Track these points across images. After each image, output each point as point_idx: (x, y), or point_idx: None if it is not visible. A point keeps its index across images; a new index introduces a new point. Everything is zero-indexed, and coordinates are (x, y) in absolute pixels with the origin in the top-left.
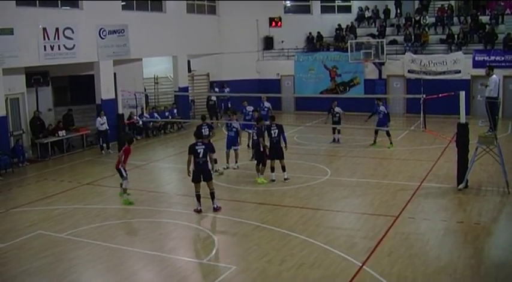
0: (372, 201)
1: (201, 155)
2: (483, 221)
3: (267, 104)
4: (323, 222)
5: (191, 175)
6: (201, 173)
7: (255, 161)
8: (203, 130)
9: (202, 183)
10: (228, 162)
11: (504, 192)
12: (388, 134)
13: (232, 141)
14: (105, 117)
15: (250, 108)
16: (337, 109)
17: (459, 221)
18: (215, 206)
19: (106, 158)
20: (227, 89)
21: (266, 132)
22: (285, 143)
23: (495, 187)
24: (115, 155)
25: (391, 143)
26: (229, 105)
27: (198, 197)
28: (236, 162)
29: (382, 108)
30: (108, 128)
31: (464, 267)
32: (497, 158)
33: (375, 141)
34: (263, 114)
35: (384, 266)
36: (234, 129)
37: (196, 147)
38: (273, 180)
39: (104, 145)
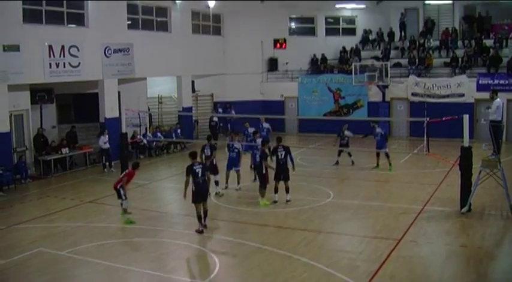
0: (374, 224)
1: (200, 175)
2: (486, 245)
3: (265, 125)
4: (325, 244)
5: (186, 196)
6: (201, 192)
7: (258, 183)
8: (206, 150)
9: None
10: (227, 183)
11: (508, 216)
12: (387, 155)
13: (234, 162)
14: (107, 136)
15: (251, 129)
16: (347, 132)
17: (462, 245)
18: (206, 223)
19: (108, 177)
20: (233, 111)
21: (272, 153)
22: (293, 165)
23: (498, 211)
24: (118, 173)
25: (390, 164)
26: (229, 126)
27: (200, 218)
28: (238, 183)
29: (378, 129)
30: (109, 146)
31: None
32: (500, 181)
33: (377, 164)
34: (262, 135)
35: None
36: (236, 150)
37: (194, 168)
38: (276, 202)
39: (107, 163)
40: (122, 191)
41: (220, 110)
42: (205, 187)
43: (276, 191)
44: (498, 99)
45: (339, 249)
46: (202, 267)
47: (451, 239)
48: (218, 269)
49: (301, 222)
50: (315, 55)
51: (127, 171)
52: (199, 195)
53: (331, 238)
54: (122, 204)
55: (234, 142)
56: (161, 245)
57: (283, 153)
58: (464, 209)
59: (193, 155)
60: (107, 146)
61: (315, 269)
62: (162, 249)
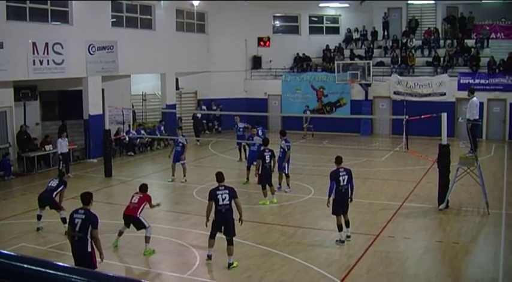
0: (353, 220)
1: (222, 202)
2: (462, 240)
3: (240, 125)
4: (304, 239)
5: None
6: (222, 223)
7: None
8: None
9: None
10: (173, 175)
11: (484, 213)
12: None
13: (178, 156)
14: (67, 139)
15: (241, 125)
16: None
17: (438, 240)
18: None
19: (92, 174)
20: (219, 107)
21: (259, 157)
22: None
23: (475, 208)
24: (76, 179)
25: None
26: (217, 123)
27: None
28: (184, 175)
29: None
30: (67, 150)
31: None
32: (477, 179)
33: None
34: (238, 135)
35: None
36: (180, 144)
37: (218, 192)
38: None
39: (64, 169)
40: (143, 219)
41: (204, 107)
42: (228, 216)
43: (265, 195)
44: (474, 98)
45: (317, 244)
46: (183, 261)
47: (428, 234)
48: (198, 263)
49: (282, 217)
50: (298, 53)
51: (141, 196)
52: (216, 224)
53: (310, 233)
54: (146, 238)
55: (179, 137)
56: (143, 240)
57: (269, 156)
58: (442, 206)
59: (218, 177)
60: (66, 150)
61: (293, 263)
62: (143, 244)
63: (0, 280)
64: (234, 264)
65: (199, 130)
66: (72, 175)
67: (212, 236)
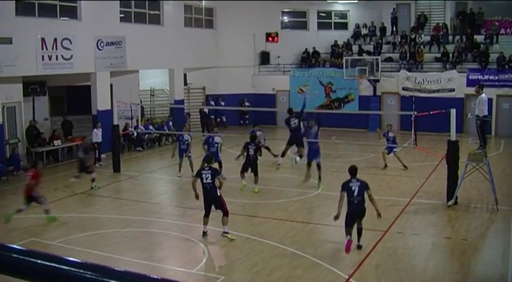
0: None
1: (205, 180)
2: (470, 237)
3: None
4: (312, 235)
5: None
6: (210, 200)
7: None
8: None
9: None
10: (180, 172)
11: (493, 210)
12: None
13: (182, 153)
14: (101, 129)
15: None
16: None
17: (447, 236)
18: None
19: (101, 169)
20: (222, 102)
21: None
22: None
23: (484, 204)
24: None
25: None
26: (224, 118)
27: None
28: (192, 170)
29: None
30: (101, 140)
31: None
32: (486, 175)
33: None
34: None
35: (370, 279)
36: (186, 142)
37: (203, 172)
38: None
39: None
40: (36, 196)
41: (212, 102)
42: (214, 193)
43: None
44: (483, 94)
45: (326, 239)
46: (191, 256)
47: (436, 231)
48: (207, 258)
49: (290, 213)
50: (306, 49)
51: (31, 173)
52: (206, 202)
53: (318, 229)
54: (47, 211)
55: (184, 134)
56: (151, 235)
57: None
58: (451, 202)
59: (207, 159)
60: (100, 139)
61: (301, 259)
62: (152, 239)
63: (10, 274)
64: (229, 236)
65: (208, 125)
66: (104, 163)
67: (206, 214)
